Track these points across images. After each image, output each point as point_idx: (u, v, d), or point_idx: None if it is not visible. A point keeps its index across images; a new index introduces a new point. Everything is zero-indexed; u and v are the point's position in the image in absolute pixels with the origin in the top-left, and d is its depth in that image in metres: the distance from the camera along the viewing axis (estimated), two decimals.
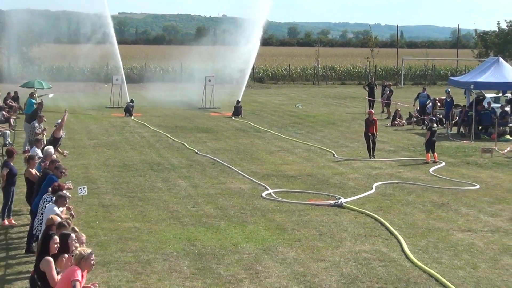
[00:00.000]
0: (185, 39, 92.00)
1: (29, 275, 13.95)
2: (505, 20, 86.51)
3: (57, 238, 12.65)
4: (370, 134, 32.93)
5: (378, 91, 56.53)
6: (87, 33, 63.74)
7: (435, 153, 32.91)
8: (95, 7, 61.57)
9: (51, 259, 12.35)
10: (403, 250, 18.84)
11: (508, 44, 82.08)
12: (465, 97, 47.42)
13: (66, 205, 16.91)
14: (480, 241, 20.10)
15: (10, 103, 47.64)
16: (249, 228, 21.25)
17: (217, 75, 60.60)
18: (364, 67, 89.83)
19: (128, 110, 51.08)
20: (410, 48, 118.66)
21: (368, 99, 53.93)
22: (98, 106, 57.07)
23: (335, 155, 34.69)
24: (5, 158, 23.35)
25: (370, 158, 32.97)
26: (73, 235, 12.93)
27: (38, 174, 20.21)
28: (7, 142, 33.31)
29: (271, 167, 31.74)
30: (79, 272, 11.66)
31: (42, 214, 16.72)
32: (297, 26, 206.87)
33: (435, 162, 32.20)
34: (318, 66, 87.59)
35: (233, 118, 50.27)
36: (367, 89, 56.89)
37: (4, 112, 42.01)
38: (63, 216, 15.47)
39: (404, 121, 47.14)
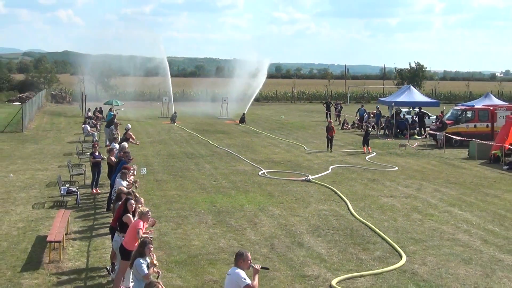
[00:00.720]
0: (209, 74, 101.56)
1: (109, 225, 16.12)
2: (414, 62, 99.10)
3: (132, 201, 14.36)
4: (329, 136, 37.77)
5: (332, 107, 63.03)
6: (147, 69, 74.57)
7: (369, 147, 37.99)
8: (154, 52, 72.49)
9: (129, 214, 14.03)
10: (349, 209, 22.16)
11: (416, 77, 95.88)
12: (389, 111, 52.97)
13: (129, 179, 19.20)
14: (398, 203, 23.50)
15: (97, 115, 53.08)
16: (250, 195, 24.65)
17: (230, 97, 66.92)
18: (324, 91, 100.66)
19: (172, 119, 57.53)
20: (354, 79, 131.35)
21: (326, 112, 61.41)
22: (153, 116, 61.23)
23: (306, 148, 40.12)
24: (92, 150, 26.10)
25: (328, 151, 37.82)
26: (132, 201, 14.46)
27: (115, 160, 22.89)
28: (95, 140, 34.66)
29: (264, 156, 36.25)
30: (141, 223, 13.19)
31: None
32: (280, 65, 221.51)
33: (369, 153, 37.44)
34: (294, 90, 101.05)
35: (240, 124, 55.85)
36: (325, 106, 63.99)
37: (93, 121, 47.91)
38: (127, 185, 18.19)
39: (349, 126, 54.67)
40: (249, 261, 9.97)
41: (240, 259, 9.90)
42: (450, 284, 14.86)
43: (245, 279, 9.73)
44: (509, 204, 23.81)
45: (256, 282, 9.90)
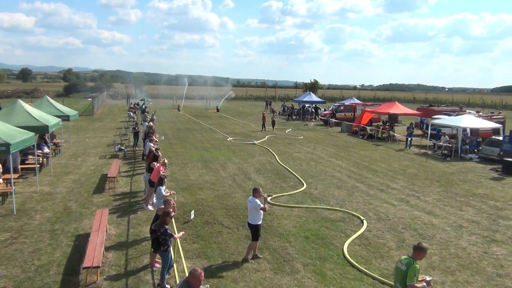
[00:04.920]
0: (200, 84, 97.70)
1: (143, 168, 14.77)
2: (312, 79, 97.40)
3: (158, 154, 14.05)
4: (264, 121, 36.05)
5: (268, 104, 62.46)
6: (166, 81, 72.97)
7: (274, 128, 37.75)
8: (168, 71, 70.78)
9: (155, 162, 13.47)
10: (276, 159, 22.05)
11: (313, 87, 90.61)
12: (299, 105, 50.98)
13: (154, 142, 18.06)
14: (303, 156, 23.44)
15: (136, 106, 49.65)
16: (222, 151, 24.14)
17: (211, 97, 67.33)
18: (264, 94, 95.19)
19: (179, 109, 55.58)
20: (280, 88, 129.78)
21: (265, 106, 60.67)
22: (167, 107, 59.58)
23: (253, 126, 38.50)
24: (133, 126, 25.75)
25: (262, 129, 35.57)
26: (158, 153, 14.24)
27: (146, 131, 21.27)
28: (135, 120, 32.98)
29: (230, 130, 35.17)
30: (161, 168, 12.76)
31: None
32: (239, 80, 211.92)
33: (273, 132, 33.91)
34: (247, 93, 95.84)
35: (217, 112, 53.67)
36: (265, 102, 64.27)
37: (133, 109, 45.06)
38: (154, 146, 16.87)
39: (277, 114, 51.25)
40: (261, 193, 9.63)
41: (256, 192, 9.55)
42: (330, 200, 15.03)
43: (260, 204, 9.54)
44: (362, 157, 24.22)
45: (266, 205, 9.78)
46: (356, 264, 9.63)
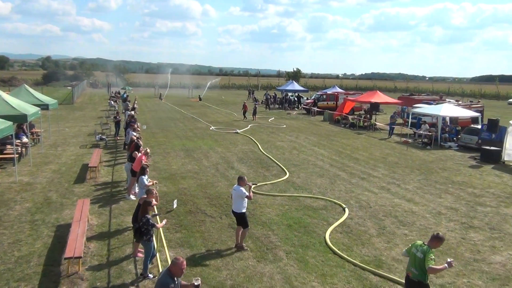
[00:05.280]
0: (182, 72, 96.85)
1: (125, 158, 14.75)
2: (295, 68, 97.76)
3: (140, 142, 14.23)
4: (244, 110, 35.55)
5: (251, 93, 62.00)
6: (146, 69, 72.52)
7: (256, 116, 37.78)
8: (150, 59, 70.57)
9: (137, 151, 13.49)
10: (259, 148, 22.14)
11: (296, 76, 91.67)
12: (282, 94, 50.38)
13: (136, 131, 18.29)
14: (285, 145, 23.56)
15: (117, 95, 49.57)
16: (204, 140, 24.14)
17: (193, 86, 66.69)
18: (246, 83, 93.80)
19: (160, 97, 55.29)
20: (263, 77, 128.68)
21: (248, 95, 60.95)
22: (149, 96, 59.49)
23: (236, 115, 38.27)
24: (115, 115, 25.56)
25: (243, 118, 35.38)
26: (139, 142, 14.26)
27: (127, 120, 21.62)
28: (116, 109, 33.52)
29: (213, 119, 34.95)
30: (143, 157, 12.78)
31: None
32: (222, 68, 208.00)
33: (255, 121, 34.02)
34: (230, 82, 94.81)
35: (199, 101, 53.49)
36: (248, 91, 64.05)
37: (114, 98, 44.70)
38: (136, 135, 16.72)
39: (259, 103, 51.78)
40: (246, 181, 9.65)
41: (241, 181, 9.57)
42: (312, 188, 15.17)
43: (245, 192, 9.55)
44: (344, 145, 24.44)
45: (251, 193, 9.75)
46: (338, 251, 9.76)
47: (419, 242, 6.94)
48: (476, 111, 29.74)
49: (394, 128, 28.62)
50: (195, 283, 5.09)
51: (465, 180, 17.10)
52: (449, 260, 6.61)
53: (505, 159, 20.85)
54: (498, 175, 18.25)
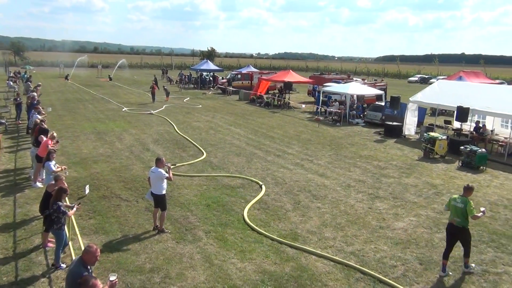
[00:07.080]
0: (92, 52, 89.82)
1: (28, 143, 13.83)
2: (210, 47, 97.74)
3: (44, 126, 13.69)
4: (153, 92, 35.62)
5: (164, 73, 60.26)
6: (48, 47, 65.64)
7: (169, 97, 37.22)
8: (53, 36, 64.60)
9: (42, 135, 13.10)
10: (175, 129, 21.89)
11: (211, 55, 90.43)
12: (197, 74, 49.59)
13: (42, 114, 17.18)
14: (202, 125, 23.36)
15: (16, 75, 45.56)
16: (117, 122, 23.35)
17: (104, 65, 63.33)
18: (160, 63, 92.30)
19: (66, 78, 51.69)
20: (177, 56, 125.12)
21: (162, 75, 59.02)
22: (53, 76, 55.31)
23: (149, 95, 34.19)
24: (15, 96, 23.87)
25: (153, 102, 35.21)
26: (43, 126, 14.78)
27: (30, 102, 20.74)
28: (17, 90, 30.74)
29: (125, 100, 33.59)
30: (49, 141, 12.20)
31: None
32: (133, 47, 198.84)
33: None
34: (142, 61, 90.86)
35: (109, 81, 51.61)
36: (161, 71, 61.62)
37: (14, 78, 40.42)
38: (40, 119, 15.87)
39: (173, 83, 50.67)
40: (164, 162, 9.48)
41: (159, 162, 9.38)
42: (229, 167, 15.30)
43: (164, 174, 9.35)
44: (259, 124, 24.93)
45: (171, 175, 9.56)
46: (256, 227, 10.00)
47: (456, 196, 8.21)
48: (380, 89, 31.79)
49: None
50: (110, 278, 4.92)
51: (371, 154, 18.30)
52: (482, 209, 8.08)
53: (405, 133, 22.63)
54: (400, 148, 19.77)
